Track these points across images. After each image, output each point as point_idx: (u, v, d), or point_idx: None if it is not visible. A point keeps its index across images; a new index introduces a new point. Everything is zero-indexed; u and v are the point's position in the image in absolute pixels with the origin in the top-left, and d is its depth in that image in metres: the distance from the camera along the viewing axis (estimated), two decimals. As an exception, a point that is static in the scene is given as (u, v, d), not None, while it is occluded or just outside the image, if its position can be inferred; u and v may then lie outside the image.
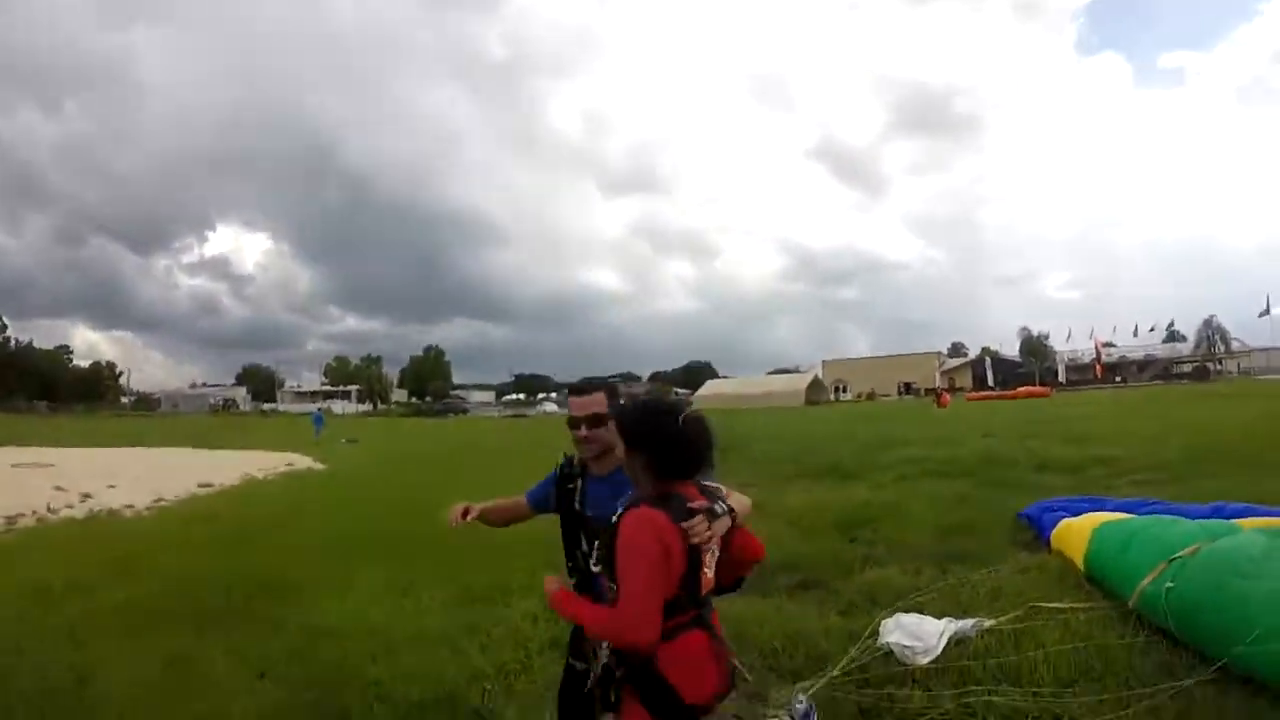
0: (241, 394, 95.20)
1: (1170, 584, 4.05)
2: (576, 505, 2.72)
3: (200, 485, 14.74)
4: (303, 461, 20.94)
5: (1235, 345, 69.90)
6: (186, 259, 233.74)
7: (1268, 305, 67.77)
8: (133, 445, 25.07)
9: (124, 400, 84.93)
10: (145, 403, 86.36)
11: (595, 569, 2.30)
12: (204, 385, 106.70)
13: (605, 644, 2.20)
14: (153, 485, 14.25)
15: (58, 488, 13.33)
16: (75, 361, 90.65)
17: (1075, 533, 5.65)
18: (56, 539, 9.01)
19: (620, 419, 2.35)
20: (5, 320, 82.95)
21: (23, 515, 10.63)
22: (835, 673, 3.96)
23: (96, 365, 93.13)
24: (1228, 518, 5.22)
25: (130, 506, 11.88)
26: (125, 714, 3.85)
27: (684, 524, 2.11)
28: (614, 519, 2.19)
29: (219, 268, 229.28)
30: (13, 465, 16.44)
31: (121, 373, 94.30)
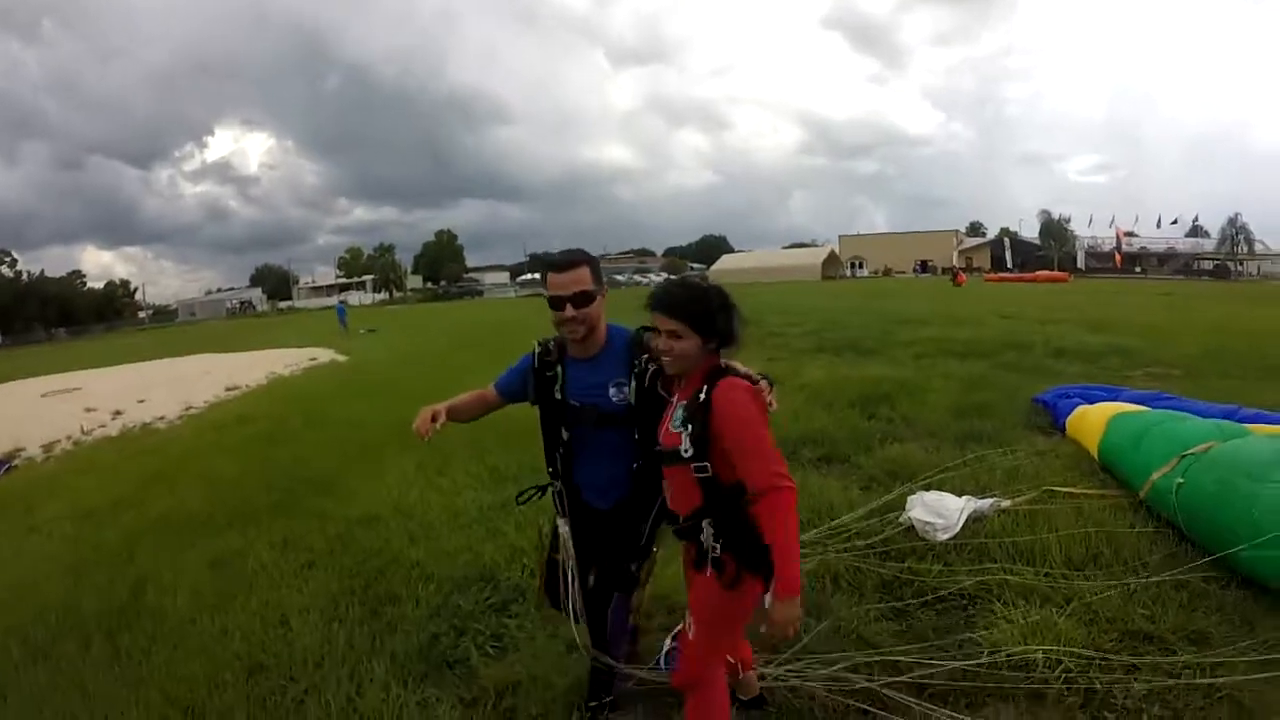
0: (257, 295, 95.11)
1: (1181, 479, 4.04)
2: (557, 394, 2.54)
3: (227, 389, 14.92)
4: (325, 355, 21.10)
5: (1259, 247, 66.14)
6: (189, 166, 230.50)
7: (1296, 208, 65.17)
8: (156, 358, 25.25)
9: (141, 315, 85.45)
10: (162, 315, 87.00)
11: (686, 454, 2.18)
12: (219, 291, 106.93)
13: (708, 526, 2.20)
14: (181, 394, 14.41)
15: (88, 409, 13.46)
16: (89, 284, 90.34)
17: (1091, 421, 5.63)
18: (94, 460, 9.19)
19: (675, 300, 2.23)
20: (15, 255, 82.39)
21: (58, 441, 10.80)
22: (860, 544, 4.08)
23: (111, 285, 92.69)
24: (1241, 421, 5.11)
25: (162, 418, 12.08)
26: (185, 617, 3.96)
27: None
28: (701, 398, 2.15)
29: (222, 171, 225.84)
30: (41, 395, 16.59)
31: (136, 288, 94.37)
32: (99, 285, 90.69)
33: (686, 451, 2.16)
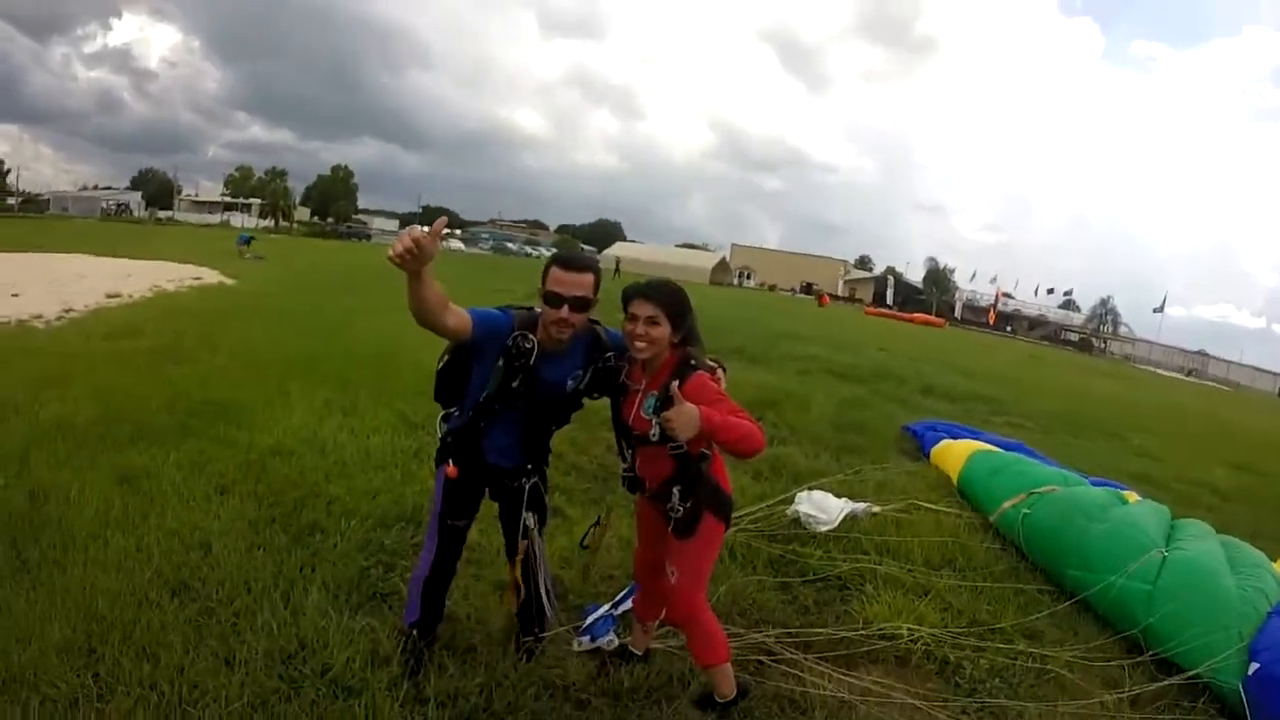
0: (136, 199, 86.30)
1: (1027, 511, 4.62)
2: (515, 384, 2.46)
3: (108, 296, 13.73)
4: (211, 276, 19.69)
5: (1123, 330, 70.81)
6: (87, 48, 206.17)
7: (1163, 303, 69.85)
8: (26, 250, 22.81)
9: (10, 200, 76.21)
10: (32, 204, 77.75)
11: (654, 438, 2.36)
12: (96, 188, 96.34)
13: (677, 491, 2.45)
14: (59, 294, 13.12)
15: (-47, 296, 12.09)
16: (-43, 156, 78.68)
17: (954, 453, 6.19)
18: (-33, 354, 8.26)
19: (657, 292, 2.41)
20: None
21: (-82, 329, 9.62)
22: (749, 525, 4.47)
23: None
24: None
25: (39, 317, 10.98)
26: (92, 533, 3.67)
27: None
28: (674, 391, 2.19)
29: (121, 60, 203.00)
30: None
31: (9, 170, 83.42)
32: (-32, 158, 79.18)
33: (654, 436, 2.36)
